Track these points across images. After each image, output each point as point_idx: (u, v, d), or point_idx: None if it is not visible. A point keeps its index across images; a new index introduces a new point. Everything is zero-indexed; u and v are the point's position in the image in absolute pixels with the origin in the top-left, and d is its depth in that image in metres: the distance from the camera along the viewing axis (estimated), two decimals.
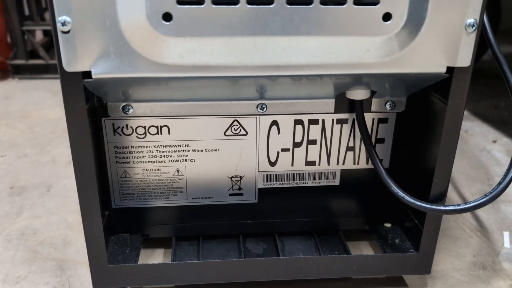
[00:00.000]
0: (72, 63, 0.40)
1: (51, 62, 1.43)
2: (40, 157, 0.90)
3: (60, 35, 0.39)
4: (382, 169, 0.51)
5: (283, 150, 0.54)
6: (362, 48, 0.41)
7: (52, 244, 0.63)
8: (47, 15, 1.57)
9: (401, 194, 0.49)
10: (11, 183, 0.80)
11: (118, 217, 0.56)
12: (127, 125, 0.51)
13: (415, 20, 0.41)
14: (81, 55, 0.40)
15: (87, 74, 0.41)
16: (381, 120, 0.54)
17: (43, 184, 0.79)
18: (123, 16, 0.38)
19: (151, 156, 0.53)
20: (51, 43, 1.61)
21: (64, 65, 0.40)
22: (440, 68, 0.43)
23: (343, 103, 0.52)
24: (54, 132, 1.02)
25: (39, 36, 1.64)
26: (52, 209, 0.72)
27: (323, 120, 0.53)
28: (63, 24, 0.38)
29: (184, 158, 0.53)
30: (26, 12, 1.46)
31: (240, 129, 0.52)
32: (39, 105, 1.20)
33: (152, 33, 0.39)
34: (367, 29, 0.41)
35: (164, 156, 0.53)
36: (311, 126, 0.53)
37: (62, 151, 0.93)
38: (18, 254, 0.61)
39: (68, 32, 0.39)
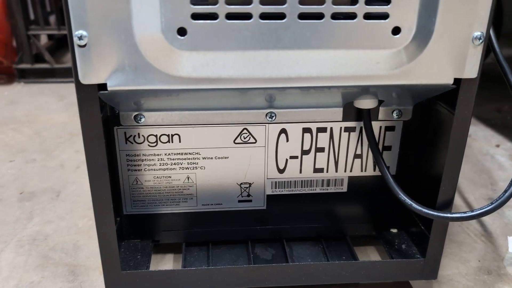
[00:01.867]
0: (88, 76, 0.41)
1: (56, 66, 1.45)
2: (48, 162, 0.91)
3: (76, 49, 0.40)
4: (389, 176, 0.52)
5: (291, 157, 0.55)
6: (372, 60, 0.42)
7: (64, 249, 0.64)
8: (52, 19, 1.58)
9: (409, 201, 0.50)
10: (20, 188, 0.81)
11: (129, 223, 0.57)
12: (138, 133, 0.52)
13: (424, 33, 0.42)
14: (97, 68, 0.41)
15: (103, 86, 0.42)
16: (388, 128, 0.55)
17: (52, 189, 0.80)
18: (138, 30, 0.39)
19: (162, 164, 0.54)
20: (56, 47, 1.62)
21: (80, 78, 0.41)
22: (447, 79, 0.44)
23: (351, 112, 0.53)
24: (61, 136, 1.03)
25: (43, 40, 1.65)
26: (62, 214, 0.73)
27: (331, 128, 0.54)
28: (80, 38, 0.39)
29: (195, 165, 0.54)
30: (32, 16, 1.47)
31: (250, 137, 0.53)
32: (45, 110, 1.21)
33: (167, 47, 0.40)
34: (376, 43, 0.42)
35: (175, 164, 0.54)
36: (319, 134, 0.54)
37: (70, 156, 0.94)
38: (30, 259, 0.62)
39: (84, 46, 0.40)
